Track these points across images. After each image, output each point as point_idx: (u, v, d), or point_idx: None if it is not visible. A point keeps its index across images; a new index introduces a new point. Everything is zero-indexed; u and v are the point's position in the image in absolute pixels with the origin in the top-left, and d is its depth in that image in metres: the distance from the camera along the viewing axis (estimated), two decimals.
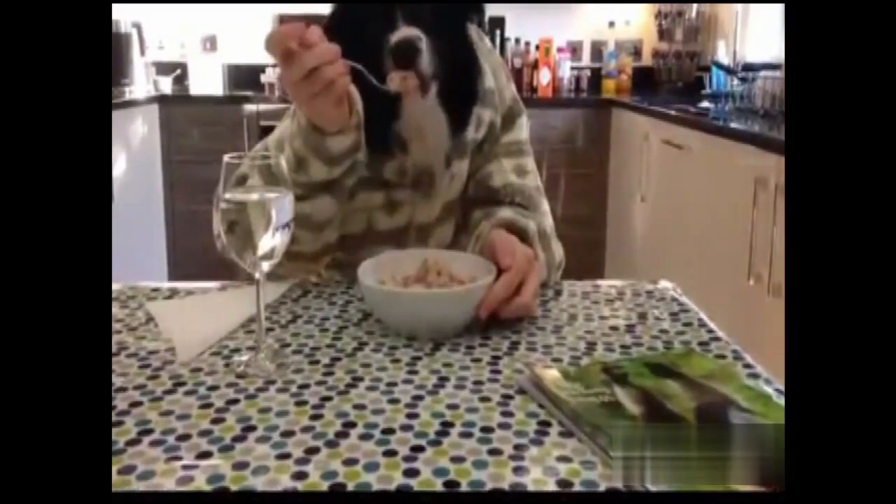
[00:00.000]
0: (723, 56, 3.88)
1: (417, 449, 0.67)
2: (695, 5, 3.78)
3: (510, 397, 0.77)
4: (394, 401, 0.76)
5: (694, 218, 2.98)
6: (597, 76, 4.53)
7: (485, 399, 0.76)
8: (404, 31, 1.04)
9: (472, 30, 1.24)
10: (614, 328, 0.96)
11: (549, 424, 0.71)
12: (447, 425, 0.71)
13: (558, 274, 1.18)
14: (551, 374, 0.78)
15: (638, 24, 4.57)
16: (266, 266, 0.83)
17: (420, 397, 0.76)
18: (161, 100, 3.97)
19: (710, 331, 0.95)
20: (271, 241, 0.81)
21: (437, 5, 1.10)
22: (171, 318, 0.97)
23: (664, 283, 1.12)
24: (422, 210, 1.20)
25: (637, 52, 4.58)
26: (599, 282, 1.13)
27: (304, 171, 1.01)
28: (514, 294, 0.93)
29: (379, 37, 1.05)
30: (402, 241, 1.20)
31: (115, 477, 0.63)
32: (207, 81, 4.21)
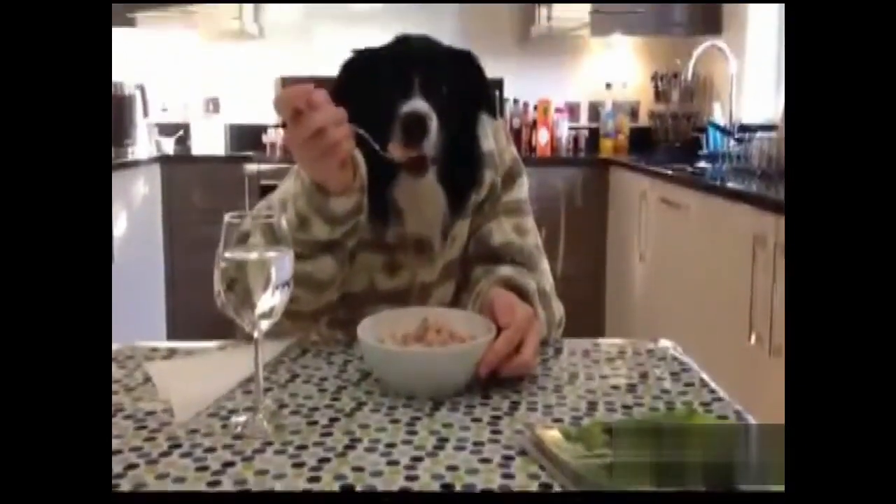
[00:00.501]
0: (719, 117, 3.93)
1: None
2: (690, 68, 3.84)
3: (511, 458, 0.76)
4: (393, 463, 0.75)
5: (693, 276, 2.98)
6: (594, 136, 4.58)
7: (485, 461, 0.75)
8: (416, 105, 1.04)
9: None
10: (615, 388, 0.95)
11: (550, 486, 0.70)
12: (447, 488, 0.70)
13: (559, 332, 1.17)
14: (552, 435, 0.77)
15: (635, 85, 4.64)
16: (265, 325, 0.83)
17: (419, 458, 0.75)
18: (163, 160, 4.00)
19: (712, 391, 0.94)
20: (270, 299, 0.81)
21: (453, 91, 1.10)
22: (168, 378, 0.96)
23: (664, 343, 1.11)
24: (423, 271, 1.20)
25: (634, 113, 4.65)
26: (600, 340, 1.13)
27: (306, 231, 1.02)
28: (514, 352, 0.93)
29: (392, 102, 1.05)
30: (404, 301, 1.19)
31: None
32: (209, 141, 4.26)
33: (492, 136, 1.23)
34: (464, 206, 1.17)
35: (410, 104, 1.04)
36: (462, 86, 1.13)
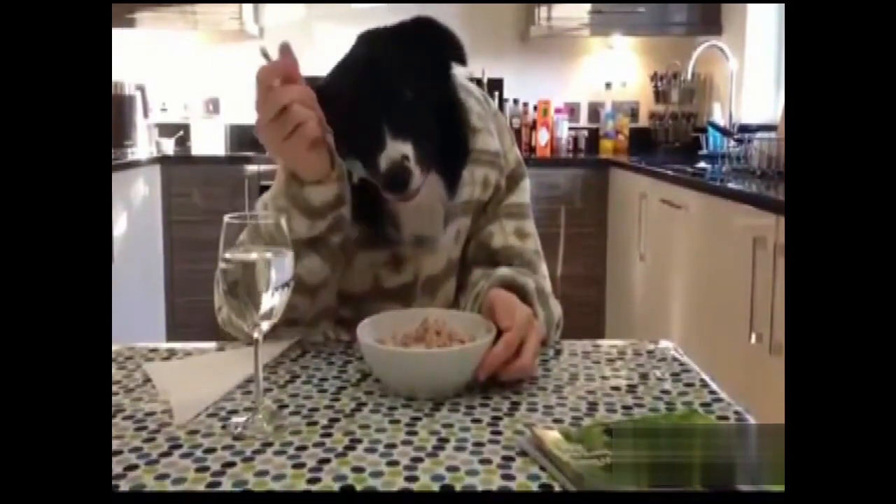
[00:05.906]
0: (718, 118, 3.93)
1: None
2: (690, 68, 3.84)
3: (511, 459, 0.75)
4: (393, 463, 0.75)
5: (693, 277, 2.98)
6: (594, 136, 4.58)
7: (485, 461, 0.75)
8: (391, 152, 0.99)
9: (478, 92, 1.24)
10: (616, 388, 0.95)
11: (550, 487, 0.70)
12: (447, 488, 0.70)
13: (557, 333, 1.17)
14: (552, 436, 0.77)
15: (634, 86, 4.65)
16: (265, 325, 0.82)
17: (419, 459, 0.75)
18: (163, 160, 4.00)
19: (713, 391, 0.94)
20: (271, 300, 0.81)
21: (418, 84, 1.05)
22: (168, 379, 0.96)
23: (665, 343, 1.11)
24: (427, 263, 1.19)
25: (634, 114, 4.65)
26: (600, 341, 1.12)
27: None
28: (513, 356, 0.92)
29: (372, 157, 1.01)
30: (410, 297, 1.18)
31: None
32: (209, 142, 4.25)
33: (497, 137, 1.22)
34: (459, 178, 1.13)
35: (385, 154, 0.99)
36: (424, 63, 1.08)
